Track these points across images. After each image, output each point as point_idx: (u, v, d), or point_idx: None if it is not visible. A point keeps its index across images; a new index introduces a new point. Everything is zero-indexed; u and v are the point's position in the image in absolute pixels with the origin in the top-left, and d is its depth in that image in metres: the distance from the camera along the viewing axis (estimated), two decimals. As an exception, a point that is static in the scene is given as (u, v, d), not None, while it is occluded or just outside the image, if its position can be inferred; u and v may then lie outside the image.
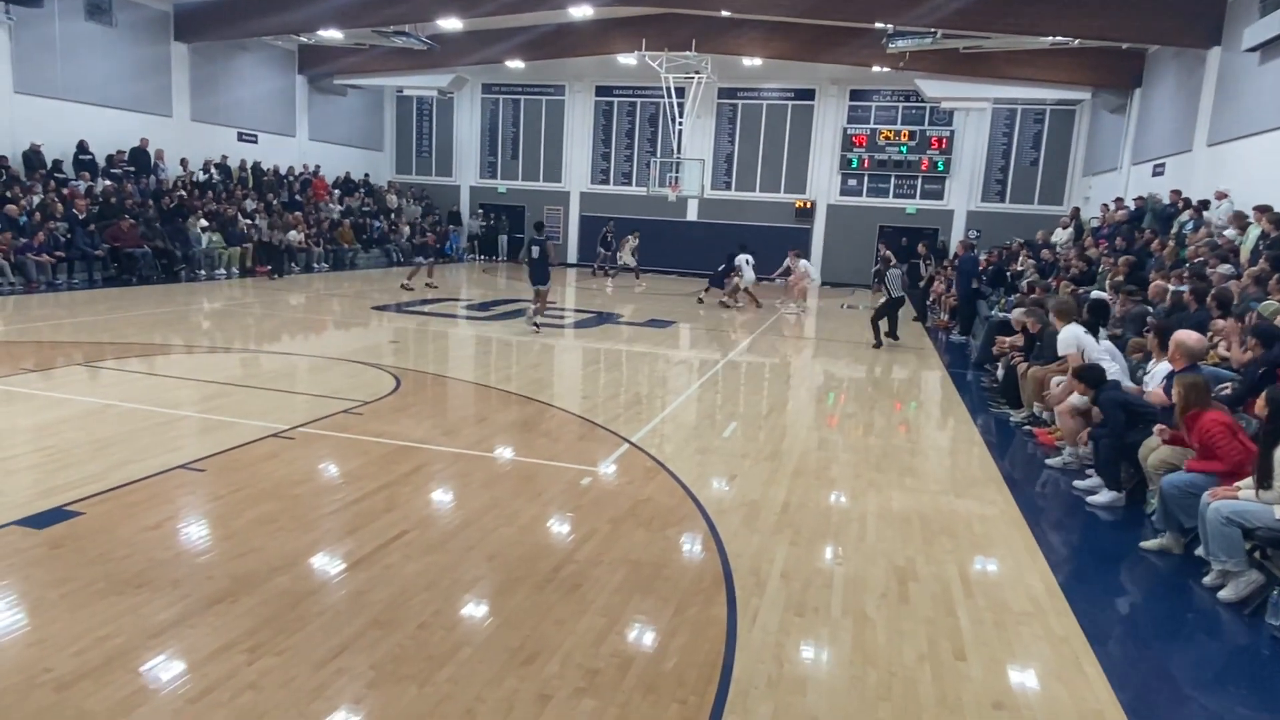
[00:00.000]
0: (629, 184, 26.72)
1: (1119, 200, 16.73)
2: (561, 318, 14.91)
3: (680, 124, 23.30)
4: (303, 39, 22.48)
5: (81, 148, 17.77)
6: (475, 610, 3.87)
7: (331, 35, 21.07)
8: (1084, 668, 3.62)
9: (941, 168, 24.39)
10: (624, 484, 5.80)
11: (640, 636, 3.68)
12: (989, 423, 8.49)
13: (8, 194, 15.30)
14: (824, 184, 25.40)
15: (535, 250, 12.55)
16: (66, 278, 15.32)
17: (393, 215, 25.94)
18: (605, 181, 27.13)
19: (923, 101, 22.88)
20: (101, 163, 18.13)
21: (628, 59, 22.14)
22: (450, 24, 19.73)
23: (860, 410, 8.77)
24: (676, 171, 23.52)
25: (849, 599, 4.16)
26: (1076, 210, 19.76)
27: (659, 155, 25.20)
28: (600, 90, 26.62)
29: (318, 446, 6.32)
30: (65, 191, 16.43)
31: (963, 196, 24.49)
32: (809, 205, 25.45)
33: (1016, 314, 9.57)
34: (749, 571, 4.40)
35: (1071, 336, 7.27)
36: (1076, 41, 17.65)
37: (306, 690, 3.10)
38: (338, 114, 26.02)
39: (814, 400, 9.55)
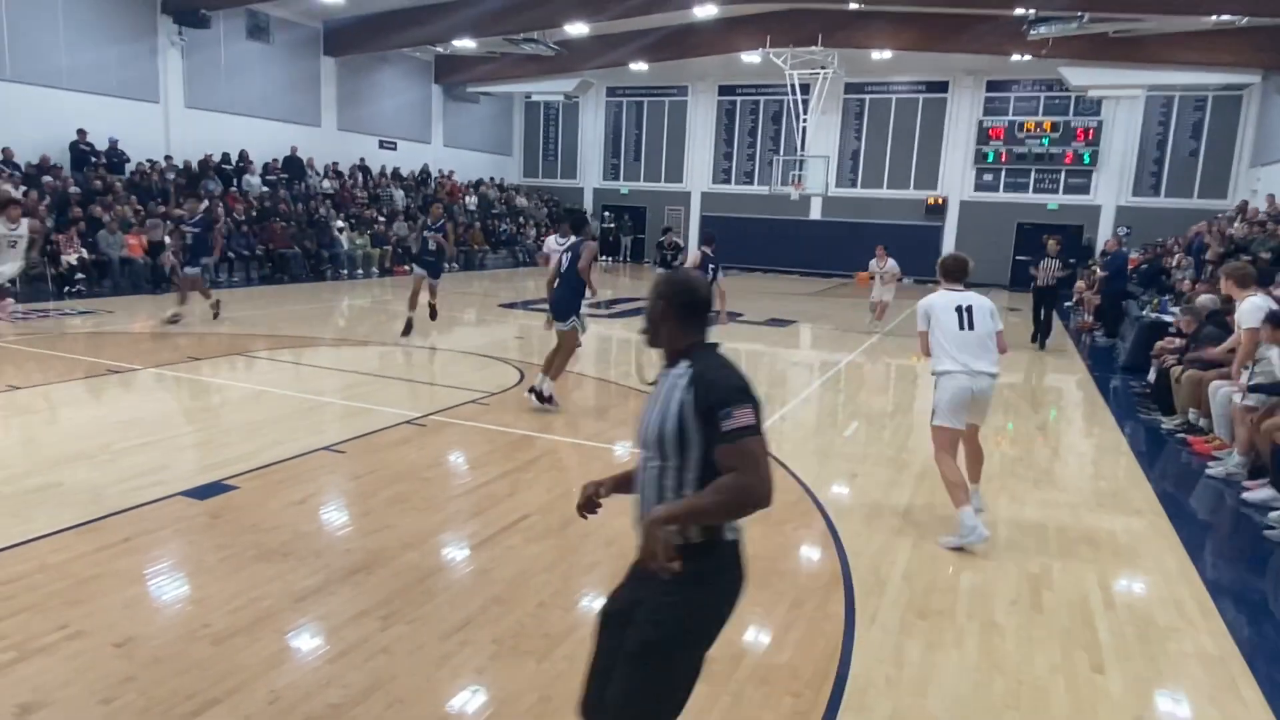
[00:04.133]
0: (750, 183, 26.52)
1: (1294, 192, 15.21)
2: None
3: (804, 121, 22.90)
4: (439, 49, 23.56)
5: (242, 157, 19.30)
6: (593, 593, 3.94)
7: (465, 45, 21.98)
8: (1241, 691, 3.32)
9: (1088, 160, 22.92)
10: (741, 479, 5.75)
11: (754, 629, 3.65)
12: (1138, 430, 7.91)
13: (180, 200, 16.80)
14: (957, 179, 24.37)
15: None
16: (227, 276, 16.66)
17: (520, 217, 26.78)
18: (727, 181, 27.04)
19: (1067, 90, 21.53)
20: (258, 170, 19.62)
21: (751, 57, 21.98)
22: (577, 29, 20.18)
23: (993, 414, 8.35)
24: (800, 169, 23.15)
25: (976, 604, 3.98)
26: (1244, 204, 18.10)
27: (782, 153, 24.89)
28: (723, 89, 26.55)
29: (447, 434, 6.61)
30: (227, 197, 17.88)
31: (1111, 191, 22.93)
32: (940, 202, 24.48)
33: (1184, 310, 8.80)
34: (869, 571, 4.28)
35: (1256, 307, 6.38)
36: (1245, 20, 16.16)
37: (433, 658, 3.25)
38: (470, 120, 27.11)
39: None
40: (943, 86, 24.16)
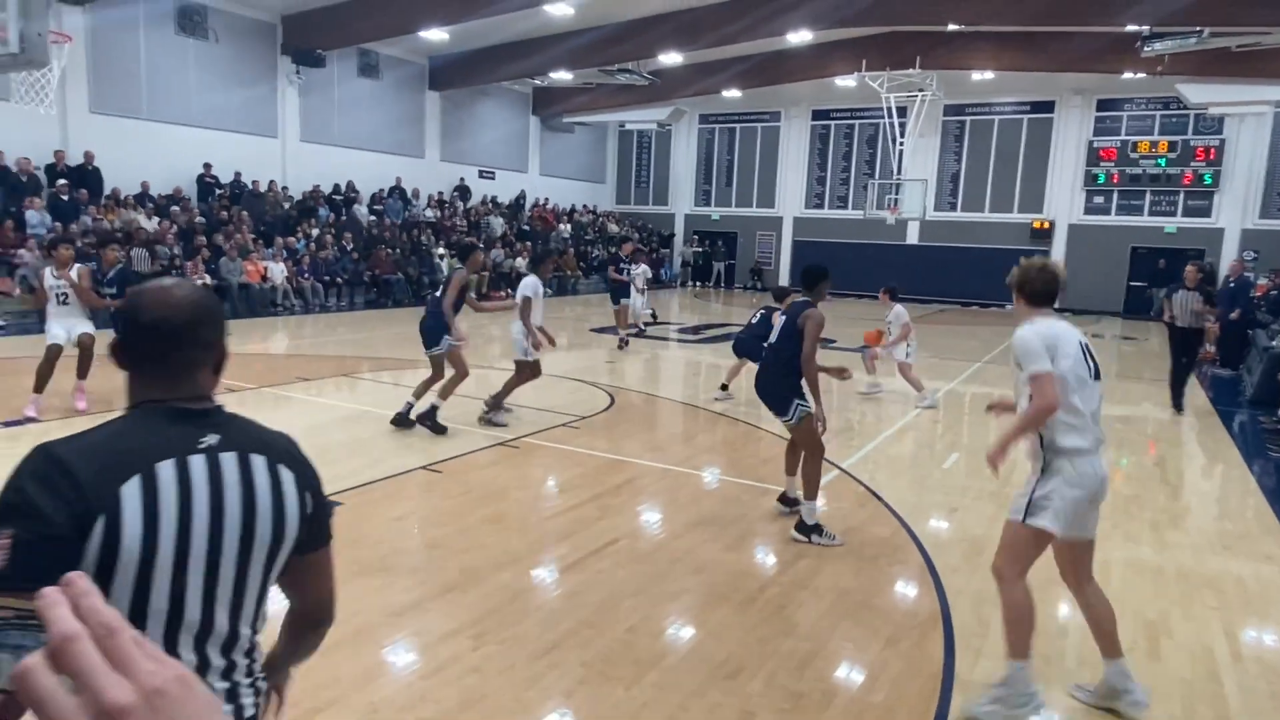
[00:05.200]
0: (844, 207, 26.16)
1: None
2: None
3: (901, 144, 22.48)
4: (537, 82, 24.27)
5: (350, 187, 20.30)
6: (681, 621, 3.91)
7: (562, 77, 22.58)
8: (1396, 761, 3.01)
9: (1209, 181, 21.64)
10: (833, 510, 5.63)
11: (847, 665, 3.54)
12: (1268, 468, 7.35)
13: (297, 229, 17.80)
14: (1064, 202, 23.40)
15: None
16: (335, 300, 17.49)
17: (612, 244, 27.15)
18: (820, 206, 26.76)
19: (1185, 108, 20.43)
20: (365, 200, 20.59)
21: (846, 81, 21.77)
22: (670, 59, 20.46)
23: (1108, 449, 7.93)
24: (896, 193, 22.69)
25: (1088, 649, 3.75)
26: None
27: (877, 177, 24.48)
28: (816, 114, 26.37)
29: (539, 456, 6.72)
30: (337, 225, 18.82)
31: (1235, 213, 21.55)
32: (1047, 225, 23.55)
33: None
34: (970, 611, 4.10)
35: None
36: (1390, 28, 15.01)
37: (523, 679, 3.29)
38: (565, 149, 27.78)
39: (1048, 434, 8.74)
40: (1049, 106, 23.32)
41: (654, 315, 15.74)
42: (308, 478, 1.43)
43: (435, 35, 18.87)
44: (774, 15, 16.74)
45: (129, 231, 14.58)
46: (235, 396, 8.51)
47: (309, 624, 1.61)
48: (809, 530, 4.90)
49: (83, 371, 7.33)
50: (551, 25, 18.50)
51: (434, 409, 7.08)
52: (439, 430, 7.02)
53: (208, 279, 14.94)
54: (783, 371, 5.10)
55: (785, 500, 5.36)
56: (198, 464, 1.28)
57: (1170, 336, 9.86)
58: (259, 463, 1.35)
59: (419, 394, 7.19)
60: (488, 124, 24.70)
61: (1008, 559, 3.22)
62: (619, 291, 13.68)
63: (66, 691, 0.46)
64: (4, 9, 4.28)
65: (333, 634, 3.53)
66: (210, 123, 17.45)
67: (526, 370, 7.51)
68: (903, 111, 22.03)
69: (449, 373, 7.17)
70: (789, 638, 3.73)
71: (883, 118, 22.40)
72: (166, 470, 1.25)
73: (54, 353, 7.08)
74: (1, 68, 5.00)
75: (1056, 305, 3.30)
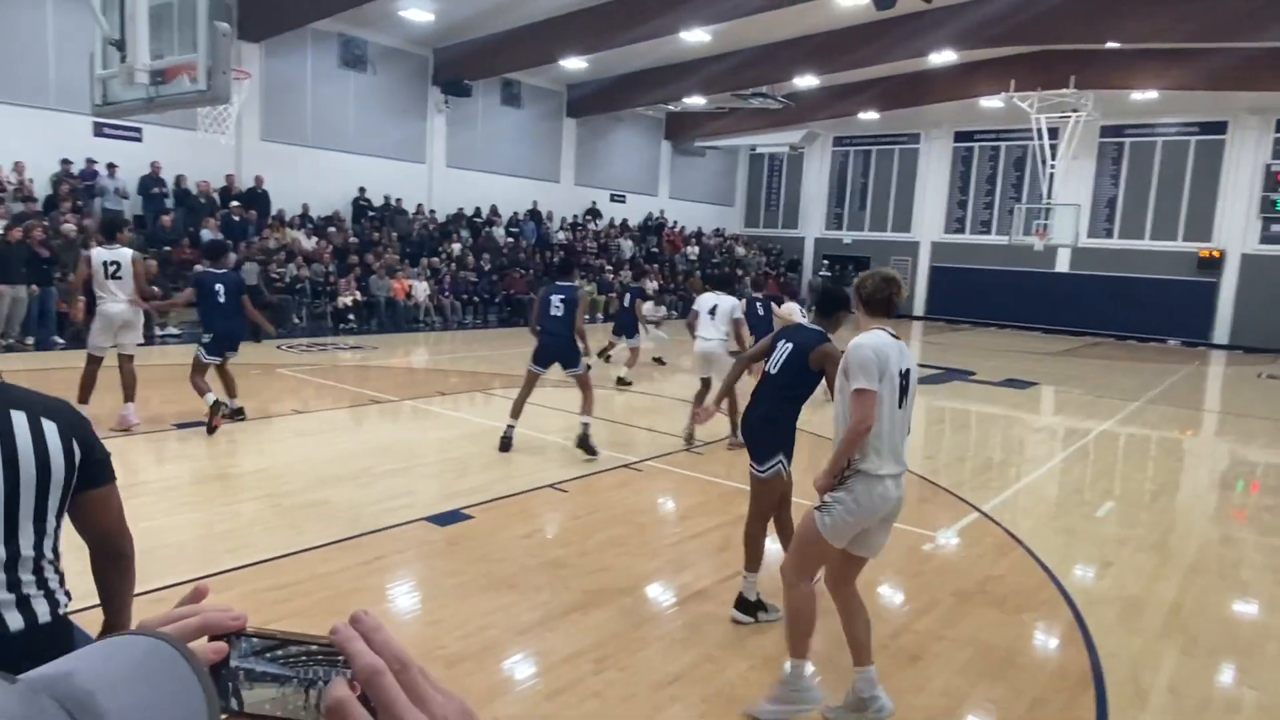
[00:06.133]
0: (987, 232, 25.00)
1: None
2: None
3: (1052, 167, 21.27)
4: (670, 107, 24.60)
5: (491, 210, 21.17)
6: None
7: (695, 101, 22.78)
8: None
9: None
10: (972, 556, 5.32)
11: (987, 726, 3.31)
12: None
13: (440, 249, 18.72)
14: (1237, 230, 21.47)
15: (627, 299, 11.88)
16: (472, 317, 18.22)
17: (739, 267, 27.03)
18: (960, 230, 25.70)
19: (1387, 127, 18.38)
20: (504, 223, 21.41)
21: (992, 101, 20.87)
22: (806, 82, 20.25)
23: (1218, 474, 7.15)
24: (1045, 218, 21.47)
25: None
26: None
27: (1024, 201, 23.26)
28: (959, 135, 25.40)
29: (662, 480, 6.71)
30: (475, 246, 19.65)
31: None
32: (1216, 255, 21.66)
33: None
34: (1126, 677, 3.76)
35: None
36: None
37: (643, 709, 3.25)
38: (695, 173, 27.96)
39: (1217, 486, 7.98)
40: (1220, 127, 21.51)
41: (660, 360, 13.31)
42: (73, 426, 1.72)
43: (574, 64, 19.47)
44: (915, 36, 16.26)
45: (291, 249, 15.76)
46: (380, 408, 8.97)
47: (107, 557, 1.87)
48: (753, 607, 4.11)
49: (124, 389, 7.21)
50: (687, 51, 18.72)
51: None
52: (592, 452, 7.00)
53: (358, 295, 15.90)
54: (778, 412, 4.14)
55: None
56: None
57: None
58: (19, 417, 1.65)
59: (587, 411, 7.17)
60: (621, 149, 25.22)
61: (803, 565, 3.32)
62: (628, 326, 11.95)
63: None
64: (196, 50, 4.70)
65: (462, 647, 3.64)
66: (365, 149, 18.66)
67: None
68: (1054, 133, 20.86)
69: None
70: (922, 692, 3.53)
71: (1032, 139, 21.28)
72: None
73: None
74: (191, 103, 5.50)
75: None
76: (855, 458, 3.16)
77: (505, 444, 7.22)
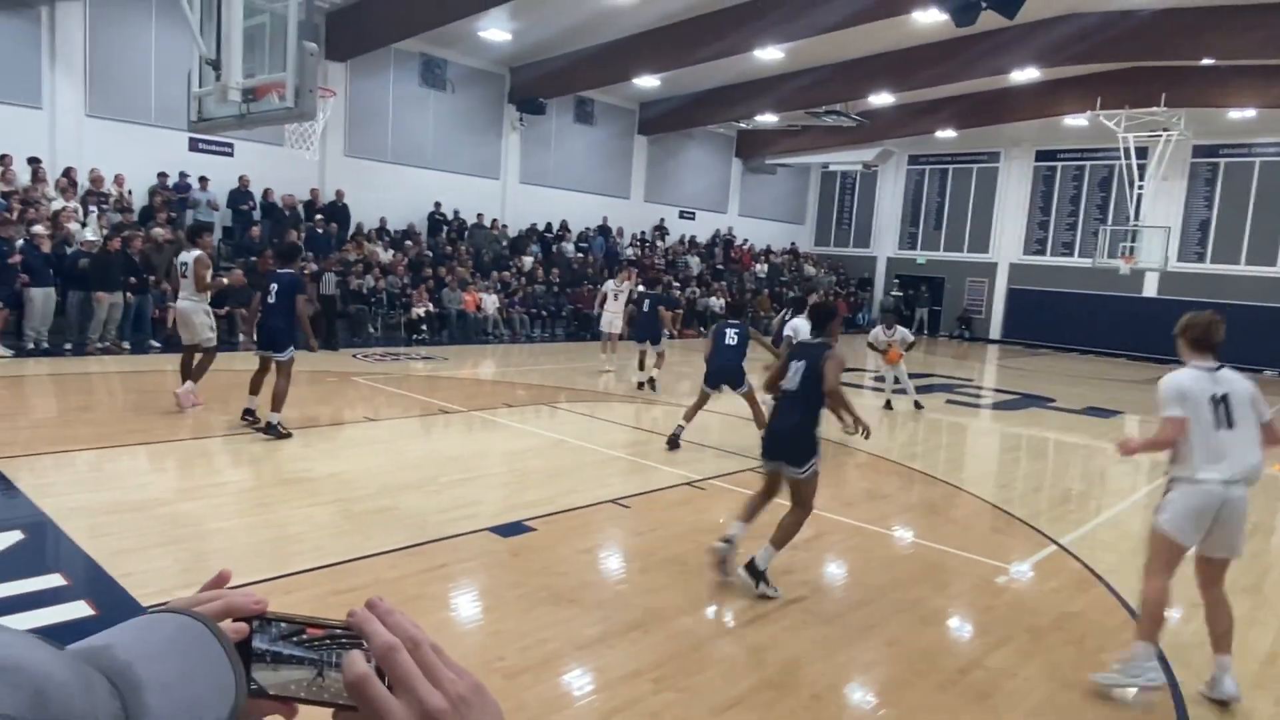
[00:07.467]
0: (1070, 254, 24.16)
1: None
2: (978, 397, 13.87)
3: (1140, 188, 20.45)
4: (741, 125, 24.56)
5: (562, 225, 21.45)
6: (870, 695, 3.67)
7: (767, 119, 22.70)
8: None
9: None
10: (1048, 591, 5.10)
11: (1063, 772, 3.15)
12: None
13: (510, 263, 19.04)
14: (1343, 256, 20.27)
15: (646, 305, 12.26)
16: (539, 331, 18.45)
17: (808, 285, 26.75)
18: (1041, 252, 24.90)
19: None
20: (574, 238, 21.66)
21: (1077, 120, 20.23)
22: (881, 99, 19.97)
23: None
24: (1132, 241, 20.64)
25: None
26: None
27: (1110, 223, 22.40)
28: (1041, 154, 24.67)
29: (724, 499, 6.63)
30: (545, 260, 19.92)
31: None
32: (1318, 281, 20.48)
33: None
34: (1217, 727, 3.53)
35: None
36: None
37: (701, 734, 3.20)
38: (766, 191, 27.82)
39: (1319, 526, 7.48)
40: (1326, 146, 20.38)
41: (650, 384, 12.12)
42: None
43: (647, 83, 19.63)
44: (996, 53, 15.87)
45: (368, 261, 16.23)
46: (448, 418, 9.14)
47: None
48: (759, 575, 4.57)
49: (192, 373, 8.37)
50: (760, 69, 18.68)
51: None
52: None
53: (430, 306, 16.27)
54: (810, 421, 4.74)
55: (728, 540, 4.77)
56: None
57: None
58: None
59: (760, 422, 7.75)
60: (691, 166, 25.29)
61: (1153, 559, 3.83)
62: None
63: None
64: (285, 70, 4.90)
65: (521, 659, 3.64)
66: (442, 165, 19.15)
67: None
68: (1143, 153, 20.07)
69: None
70: (994, 730, 3.38)
71: (1119, 159, 20.53)
72: None
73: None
74: (280, 120, 5.73)
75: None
76: (1173, 468, 3.74)
77: (673, 442, 8.13)
